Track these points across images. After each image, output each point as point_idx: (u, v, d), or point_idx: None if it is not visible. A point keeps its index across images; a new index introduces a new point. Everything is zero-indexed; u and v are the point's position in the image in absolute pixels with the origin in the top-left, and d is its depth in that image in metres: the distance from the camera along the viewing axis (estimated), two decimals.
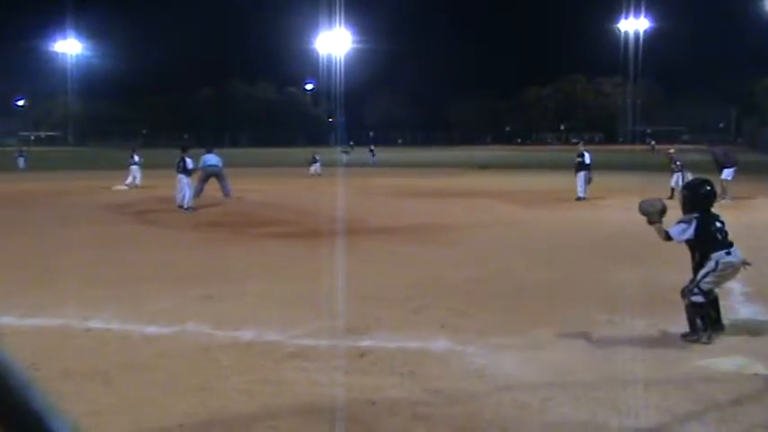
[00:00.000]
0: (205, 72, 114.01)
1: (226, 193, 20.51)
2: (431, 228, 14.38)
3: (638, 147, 77.26)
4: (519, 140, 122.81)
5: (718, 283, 6.32)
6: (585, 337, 6.40)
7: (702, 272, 6.21)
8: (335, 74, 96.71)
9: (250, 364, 5.71)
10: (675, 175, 19.56)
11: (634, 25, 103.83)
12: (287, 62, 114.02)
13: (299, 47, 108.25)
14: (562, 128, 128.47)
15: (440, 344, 6.17)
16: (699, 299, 6.17)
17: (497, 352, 5.93)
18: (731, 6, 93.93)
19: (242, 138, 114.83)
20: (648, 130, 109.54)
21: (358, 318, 6.99)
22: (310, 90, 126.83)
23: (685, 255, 6.58)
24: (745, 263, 6.30)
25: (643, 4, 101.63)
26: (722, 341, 6.23)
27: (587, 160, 20.05)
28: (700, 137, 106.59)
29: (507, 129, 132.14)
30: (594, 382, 5.27)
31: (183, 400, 4.92)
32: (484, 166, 41.42)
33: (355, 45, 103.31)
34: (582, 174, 19.96)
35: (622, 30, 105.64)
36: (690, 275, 6.43)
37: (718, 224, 6.33)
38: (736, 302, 7.67)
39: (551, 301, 7.77)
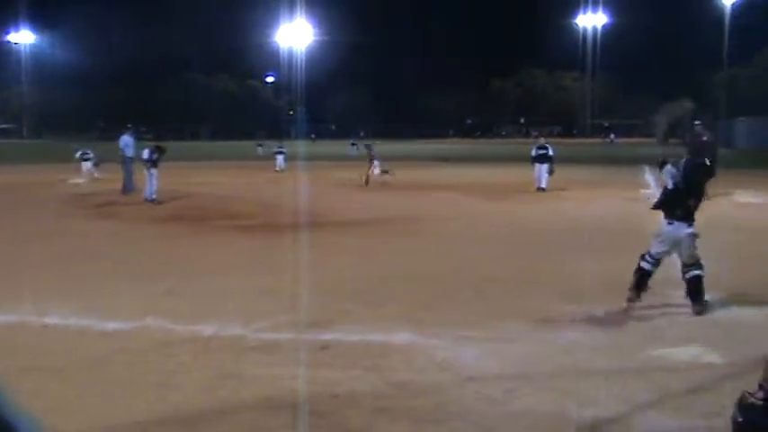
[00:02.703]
0: (164, 64, 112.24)
1: (126, 189, 19.97)
2: (394, 221, 14.40)
3: (597, 140, 78.48)
4: (478, 134, 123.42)
5: (661, 249, 6.95)
6: (547, 328, 6.47)
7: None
8: (297, 66, 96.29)
9: (211, 358, 5.66)
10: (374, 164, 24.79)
11: (592, 20, 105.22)
12: (247, 55, 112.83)
13: (260, 39, 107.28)
14: (522, 121, 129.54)
15: (403, 336, 6.17)
16: (641, 263, 6.99)
17: (461, 344, 5.96)
18: (686, 2, 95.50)
19: (202, 131, 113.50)
20: (606, 124, 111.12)
21: (321, 311, 6.96)
22: (271, 83, 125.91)
23: (632, 248, 6.76)
24: (691, 236, 6.79)
25: None
26: (678, 331, 6.35)
27: (551, 152, 20.58)
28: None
29: (468, 122, 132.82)
30: (556, 372, 5.33)
31: (143, 397, 4.86)
32: (445, 159, 41.60)
33: (317, 38, 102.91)
34: (545, 166, 20.42)
35: (581, 25, 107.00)
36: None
37: (686, 186, 6.75)
38: None
39: (514, 293, 7.83)
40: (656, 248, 6.94)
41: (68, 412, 4.60)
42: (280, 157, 32.29)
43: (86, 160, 25.68)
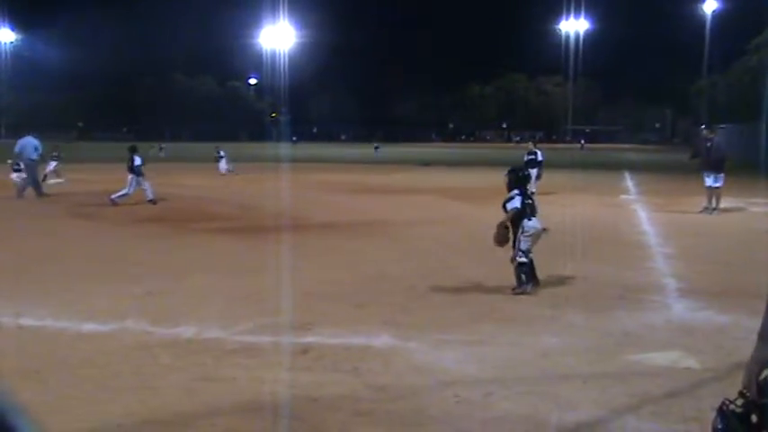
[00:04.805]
0: (146, 65, 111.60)
1: (19, 193, 19.28)
2: (374, 224, 14.39)
3: (570, 145, 79.39)
4: (463, 137, 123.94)
5: (530, 243, 7.95)
6: (526, 332, 6.49)
7: (518, 236, 7.97)
8: (279, 68, 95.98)
9: (191, 361, 5.62)
10: (51, 164, 24.84)
11: (574, 26, 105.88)
12: (230, 56, 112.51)
13: (243, 41, 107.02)
14: (504, 126, 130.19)
15: (383, 340, 6.17)
16: (522, 259, 7.90)
17: (440, 347, 5.97)
18: (667, 9, 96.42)
19: (183, 132, 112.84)
20: (588, 129, 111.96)
21: (301, 314, 6.95)
22: (253, 85, 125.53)
23: (611, 253, 6.74)
24: (544, 229, 8.16)
25: (583, 5, 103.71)
26: (656, 336, 6.40)
27: (540, 157, 20.60)
28: (638, 136, 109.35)
29: (450, 126, 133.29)
30: (535, 376, 5.35)
31: (122, 399, 4.82)
32: (427, 163, 41.69)
33: (299, 40, 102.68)
34: (534, 171, 20.44)
35: (563, 30, 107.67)
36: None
37: (528, 201, 8.14)
38: (670, 298, 7.89)
39: (493, 297, 7.85)
40: (526, 244, 7.94)
41: (45, 415, 4.54)
42: (221, 161, 31.29)
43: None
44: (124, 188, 17.55)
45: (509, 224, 8.02)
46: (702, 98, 67.06)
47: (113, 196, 17.25)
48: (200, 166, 34.29)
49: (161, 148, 50.07)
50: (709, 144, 16.73)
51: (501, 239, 8.07)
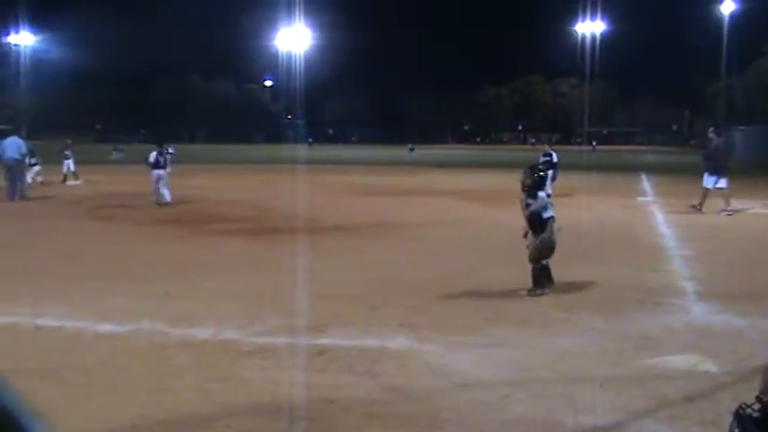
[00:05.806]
0: (163, 67, 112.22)
1: (21, 194, 18.81)
2: (390, 226, 14.38)
3: (583, 147, 79.21)
4: (479, 139, 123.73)
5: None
6: (543, 334, 6.45)
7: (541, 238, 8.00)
8: (295, 70, 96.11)
9: (206, 362, 5.64)
10: (66, 162, 25.75)
11: (590, 28, 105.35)
12: (246, 58, 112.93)
13: (259, 43, 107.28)
14: (520, 127, 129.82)
15: (398, 342, 6.16)
16: (544, 262, 7.94)
17: (455, 350, 5.95)
18: (684, 10, 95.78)
19: (199, 134, 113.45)
20: (605, 131, 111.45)
21: (317, 315, 6.95)
22: (269, 87, 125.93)
23: (628, 255, 6.69)
24: (558, 228, 8.14)
25: (599, 7, 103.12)
26: (674, 339, 6.35)
27: (555, 159, 20.50)
28: (656, 137, 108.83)
29: (466, 127, 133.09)
30: (551, 379, 5.32)
31: (137, 400, 4.84)
32: (443, 165, 41.63)
33: (315, 42, 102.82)
34: (549, 172, 20.33)
35: (579, 32, 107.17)
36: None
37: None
38: (688, 301, 7.83)
39: (509, 299, 7.83)
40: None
41: (61, 415, 4.57)
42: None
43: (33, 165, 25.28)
44: (158, 187, 17.73)
45: (548, 235, 7.92)
46: (720, 100, 66.54)
47: (154, 199, 17.51)
48: (216, 167, 34.36)
49: (115, 149, 47.83)
50: (714, 146, 17.06)
51: (544, 257, 7.97)
